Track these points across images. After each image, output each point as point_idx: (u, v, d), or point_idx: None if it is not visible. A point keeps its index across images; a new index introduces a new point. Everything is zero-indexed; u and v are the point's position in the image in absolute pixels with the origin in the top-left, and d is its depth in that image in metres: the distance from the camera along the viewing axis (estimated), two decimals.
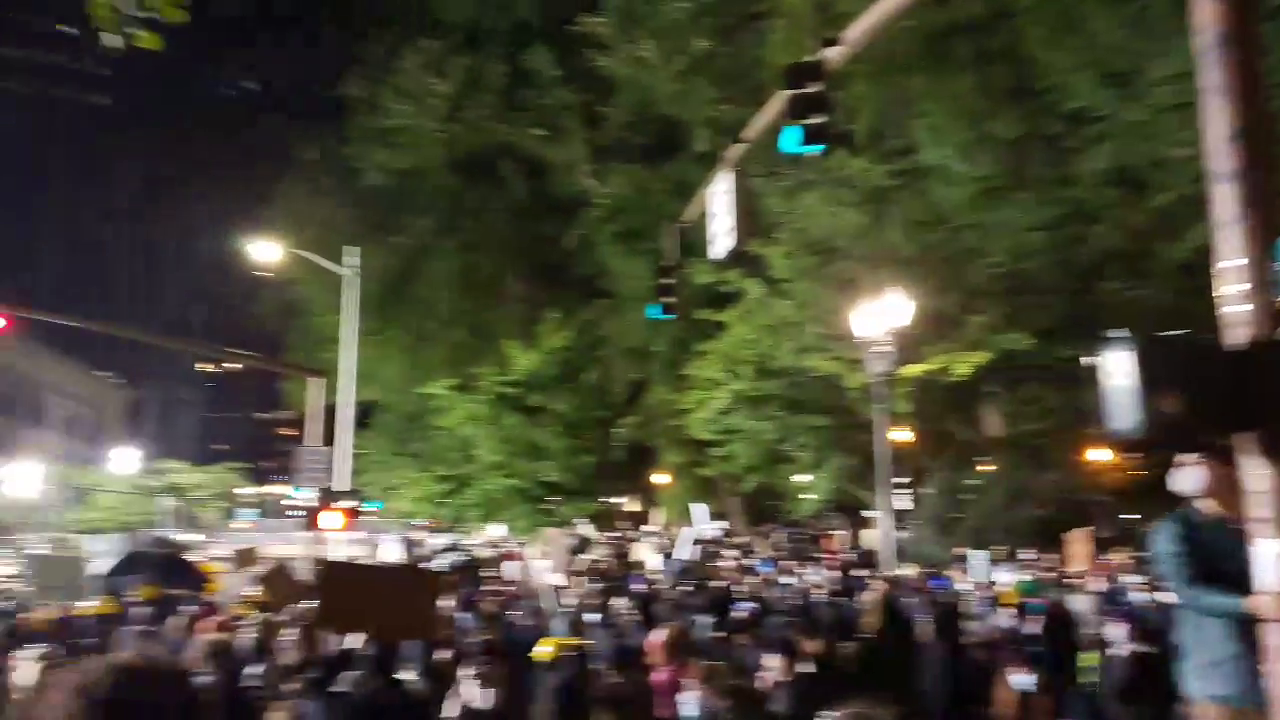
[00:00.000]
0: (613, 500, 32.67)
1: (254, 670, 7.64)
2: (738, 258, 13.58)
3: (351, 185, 28.39)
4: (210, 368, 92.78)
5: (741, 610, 10.39)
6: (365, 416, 27.62)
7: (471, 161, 27.78)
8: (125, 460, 44.51)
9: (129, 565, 12.85)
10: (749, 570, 15.99)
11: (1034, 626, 8.97)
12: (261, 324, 34.80)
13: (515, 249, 29.08)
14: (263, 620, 8.86)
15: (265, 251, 23.90)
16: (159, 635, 9.51)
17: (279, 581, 9.22)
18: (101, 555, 20.30)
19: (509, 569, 16.88)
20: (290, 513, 58.71)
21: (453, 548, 22.74)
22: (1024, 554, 15.35)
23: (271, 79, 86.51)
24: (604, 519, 29.62)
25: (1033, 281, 16.87)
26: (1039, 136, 16.02)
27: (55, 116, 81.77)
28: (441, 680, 7.20)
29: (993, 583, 12.89)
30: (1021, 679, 3.38)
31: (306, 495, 19.00)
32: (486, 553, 24.89)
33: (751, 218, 12.22)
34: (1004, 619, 10.08)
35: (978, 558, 14.22)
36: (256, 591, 10.50)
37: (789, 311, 18.07)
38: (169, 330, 61.24)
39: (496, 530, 29.15)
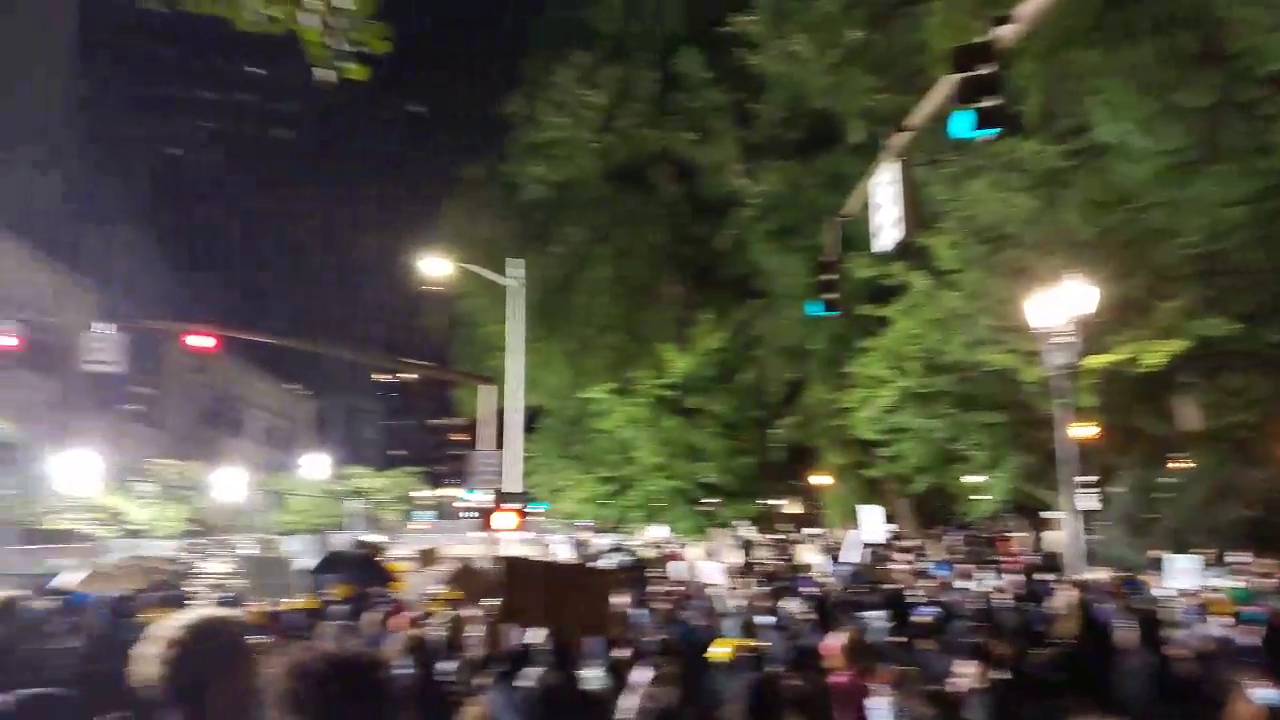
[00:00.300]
0: (772, 502, 32.36)
1: (446, 665, 7.98)
2: (902, 250, 13.16)
3: (512, 200, 29.44)
4: (387, 379, 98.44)
5: (923, 615, 10.04)
6: (531, 421, 28.57)
7: (624, 169, 28.26)
8: (315, 467, 47.88)
9: (328, 565, 13.79)
10: (922, 574, 15.45)
11: (1252, 638, 8.22)
12: (432, 336, 36.64)
13: (668, 253, 29.35)
14: (452, 617, 9.27)
15: (434, 267, 25.12)
16: (356, 630, 10.11)
17: (468, 579, 9.65)
18: (298, 555, 21.97)
19: (675, 569, 17.01)
20: (464, 514, 61.51)
21: (618, 548, 23.15)
22: (1234, 558, 14.06)
23: (437, 104, 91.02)
24: (765, 521, 29.41)
25: (1233, 261, 15.48)
26: (1233, 104, 14.69)
27: (243, 151, 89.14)
28: (622, 677, 7.32)
29: (1198, 589, 11.88)
30: (1268, 694, 3.05)
31: (478, 497, 19.81)
32: (650, 553, 25.18)
33: (918, 208, 11.82)
34: (1214, 628, 9.29)
35: (1179, 562, 13.12)
36: (442, 589, 11.02)
37: (958, 303, 17.33)
38: (350, 345, 65.61)
39: (658, 531, 29.47)
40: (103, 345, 17.31)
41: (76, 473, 27.59)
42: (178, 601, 9.60)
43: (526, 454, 24.36)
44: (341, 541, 32.44)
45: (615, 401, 26.19)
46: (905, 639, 9.06)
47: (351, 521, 41.98)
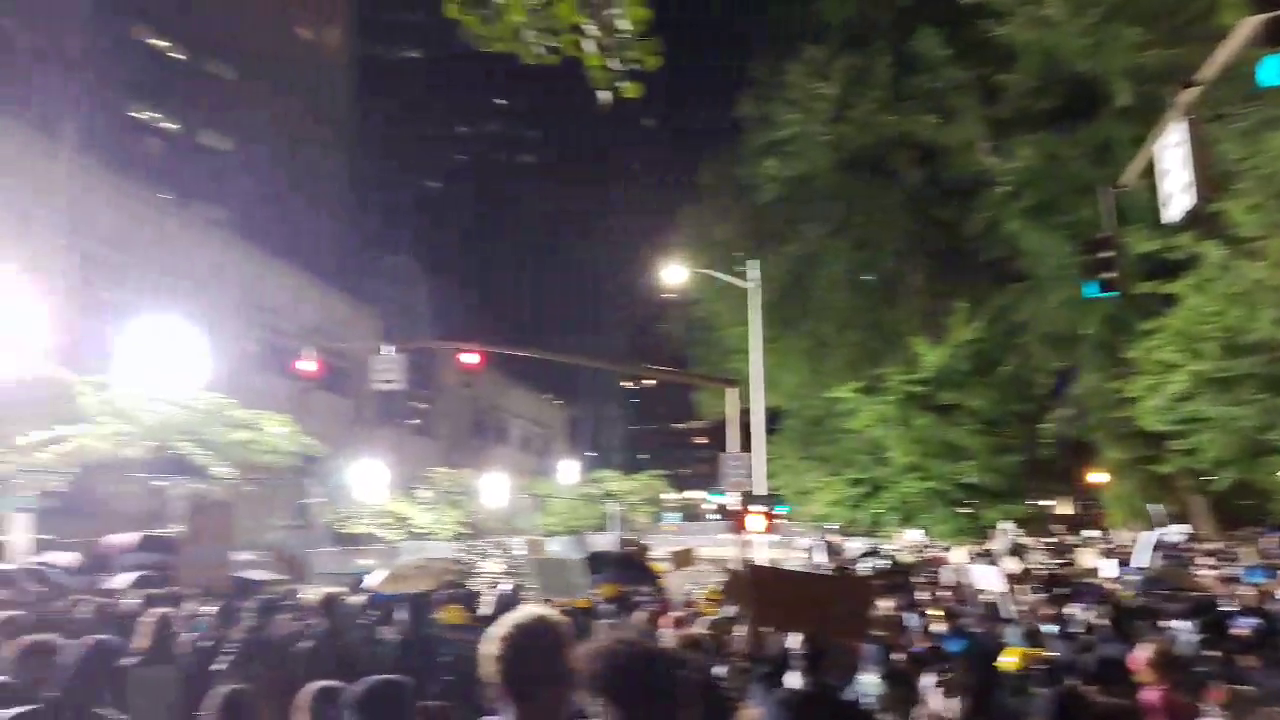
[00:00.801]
0: (1042, 503, 30.05)
1: (716, 667, 8.03)
2: (1191, 218, 11.75)
3: (746, 201, 29.50)
4: (630, 384, 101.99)
5: (1242, 626, 8.86)
6: (772, 423, 28.42)
7: (860, 159, 27.49)
8: (569, 472, 50.42)
9: (592, 564, 14.38)
10: (1233, 580, 13.67)
11: None
12: (673, 341, 37.47)
13: (911, 241, 28.16)
14: (716, 619, 9.32)
15: (673, 274, 25.68)
16: (624, 629, 10.41)
17: (736, 582, 9.70)
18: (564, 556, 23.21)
19: (946, 574, 16.18)
20: (710, 516, 62.43)
21: (873, 552, 22.40)
22: None
23: (671, 114, 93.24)
24: (1035, 523, 27.34)
25: None
26: None
27: (494, 178, 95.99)
28: (901, 684, 7.02)
29: None
30: None
31: (721, 499, 19.96)
32: (908, 558, 24.16)
33: (1210, 170, 10.51)
34: None
35: None
36: (705, 590, 11.14)
37: (1263, 274, 15.21)
38: (598, 355, 68.70)
39: (914, 534, 28.26)
40: (388, 366, 19.15)
41: (368, 481, 30.78)
42: (469, 601, 10.36)
43: (768, 455, 24.25)
44: (599, 543, 33.89)
45: (862, 400, 25.40)
46: (1222, 653, 8.04)
47: (608, 524, 43.72)
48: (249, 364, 34.62)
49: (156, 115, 55.15)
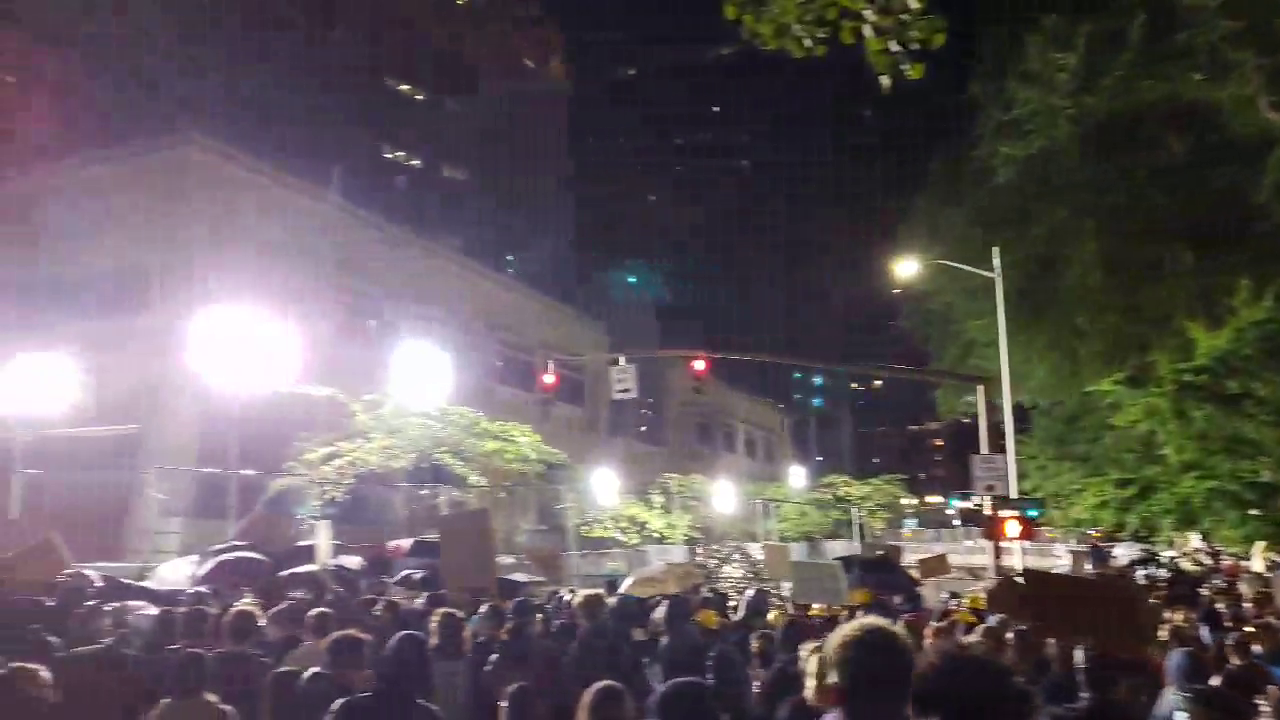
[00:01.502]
0: None
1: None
2: None
3: (981, 187, 27.86)
4: (858, 386, 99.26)
5: None
6: (1020, 421, 26.53)
7: (1110, 131, 25.12)
8: (797, 476, 49.80)
9: (845, 569, 13.92)
10: None
11: None
12: (907, 338, 36.00)
13: (1173, 216, 25.30)
14: (985, 629, 8.75)
15: (905, 267, 24.66)
16: (950, 642, 9.94)
17: (1007, 591, 9.08)
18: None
19: (1248, 584, 14.34)
20: (954, 521, 59.41)
21: (1150, 558, 20.28)
22: None
23: (892, 102, 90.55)
24: None
25: None
26: None
27: (706, 187, 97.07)
28: (1222, 709, 6.21)
29: None
30: None
31: (965, 503, 18.85)
32: (1189, 565, 21.70)
33: None
34: None
35: None
36: (967, 598, 10.50)
37: None
38: (824, 356, 67.46)
39: (1193, 540, 25.32)
40: (624, 375, 19.75)
41: (604, 487, 31.88)
42: (721, 605, 10.38)
43: (1016, 455, 22.61)
44: (835, 549, 33.12)
45: (1126, 393, 23.08)
46: None
47: (839, 529, 42.70)
48: (492, 379, 37.02)
49: (402, 154, 60.43)
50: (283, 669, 5.49)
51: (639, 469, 37.98)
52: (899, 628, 2.37)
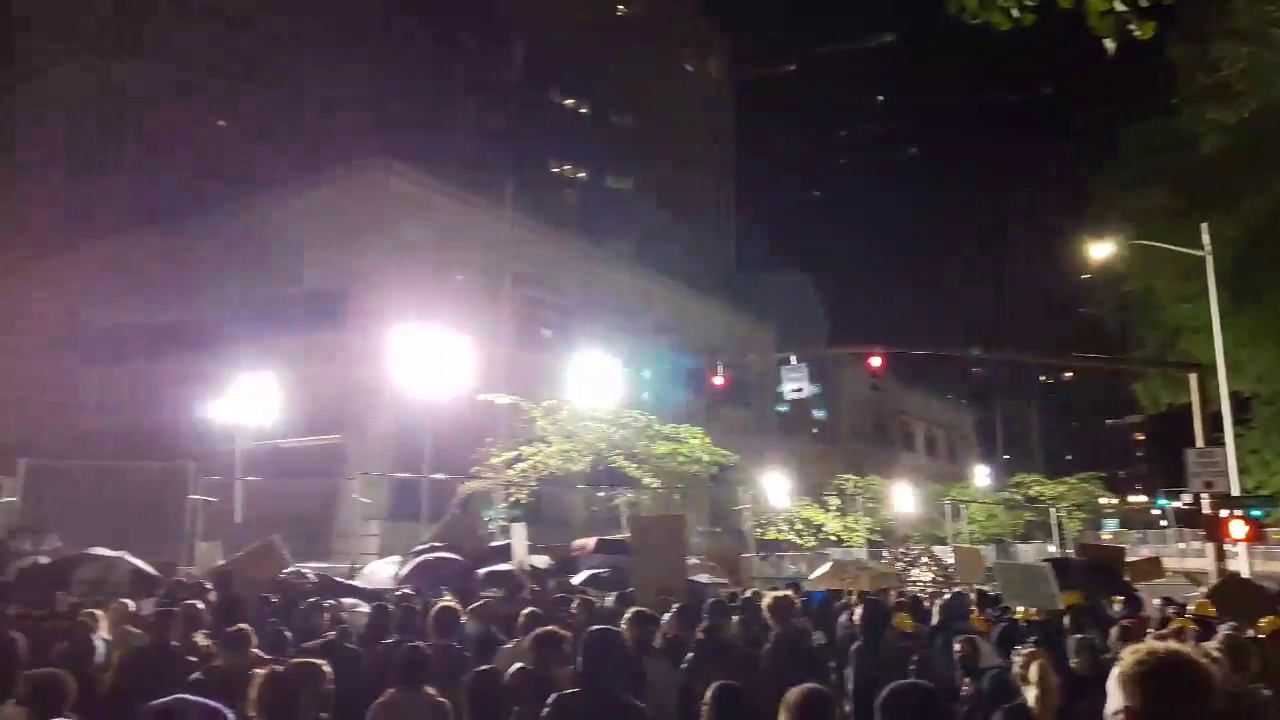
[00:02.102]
0: None
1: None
2: None
3: (1183, 158, 25.53)
4: (1046, 379, 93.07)
5: None
6: (1238, 412, 24.07)
7: None
8: (984, 475, 47.37)
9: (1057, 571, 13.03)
10: None
11: None
12: (1099, 326, 33.52)
13: None
14: (1227, 642, 7.93)
15: (1099, 250, 22.96)
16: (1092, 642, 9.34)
17: (1242, 596, 8.24)
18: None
19: None
20: (1162, 523, 54.62)
21: None
22: None
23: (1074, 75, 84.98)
24: None
25: None
26: None
27: (876, 174, 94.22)
28: None
29: None
30: None
31: (1173, 503, 17.22)
32: None
33: None
34: None
35: None
36: (1194, 604, 9.60)
37: None
38: (1009, 347, 64.01)
39: None
40: (796, 374, 19.41)
41: (776, 489, 31.47)
42: (915, 608, 9.98)
43: (1236, 449, 20.48)
44: (1026, 552, 31.23)
45: None
46: None
47: (1030, 530, 40.30)
48: (661, 382, 37.38)
49: (568, 167, 62.23)
50: (485, 666, 5.71)
51: (812, 470, 37.27)
52: (1197, 651, 2.20)
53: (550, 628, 5.31)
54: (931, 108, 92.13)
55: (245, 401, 18.77)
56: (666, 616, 7.75)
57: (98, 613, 7.51)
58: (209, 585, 9.43)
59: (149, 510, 14.37)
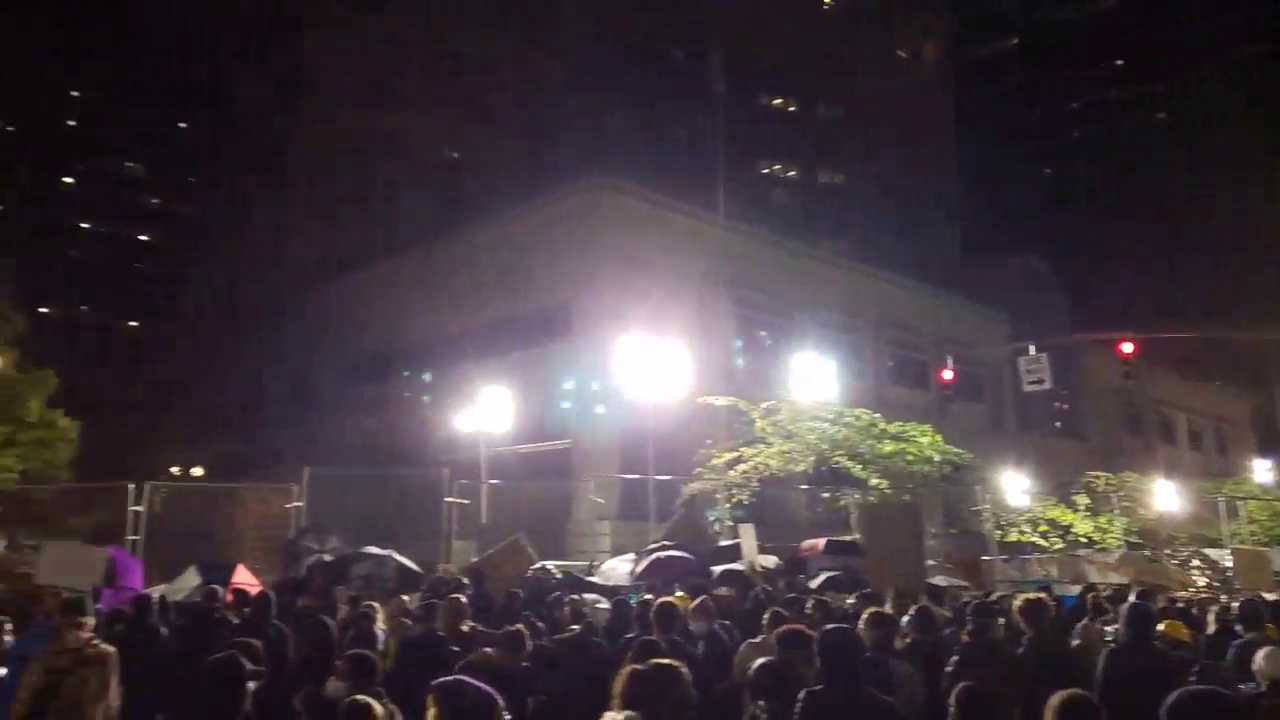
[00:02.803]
0: None
1: None
2: None
3: None
4: None
5: None
6: None
7: None
8: (1263, 470, 42.12)
9: None
10: None
11: None
12: None
13: None
14: None
15: None
16: None
17: None
18: None
19: None
20: None
21: None
22: None
23: None
24: None
25: None
26: None
27: (1115, 147, 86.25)
28: None
29: None
30: None
31: None
32: None
33: None
34: None
35: None
36: None
37: None
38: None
39: None
40: (1035, 366, 18.23)
41: (1015, 489, 29.50)
42: (1187, 615, 9.09)
43: None
44: None
45: None
46: None
47: None
48: (886, 379, 36.26)
49: (778, 166, 61.79)
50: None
51: (1055, 467, 34.62)
52: None
53: (797, 625, 5.37)
54: (1177, 67, 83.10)
55: (485, 411, 20.13)
56: (905, 619, 7.56)
57: (375, 605, 8.38)
58: (465, 580, 10.21)
59: (410, 512, 15.77)
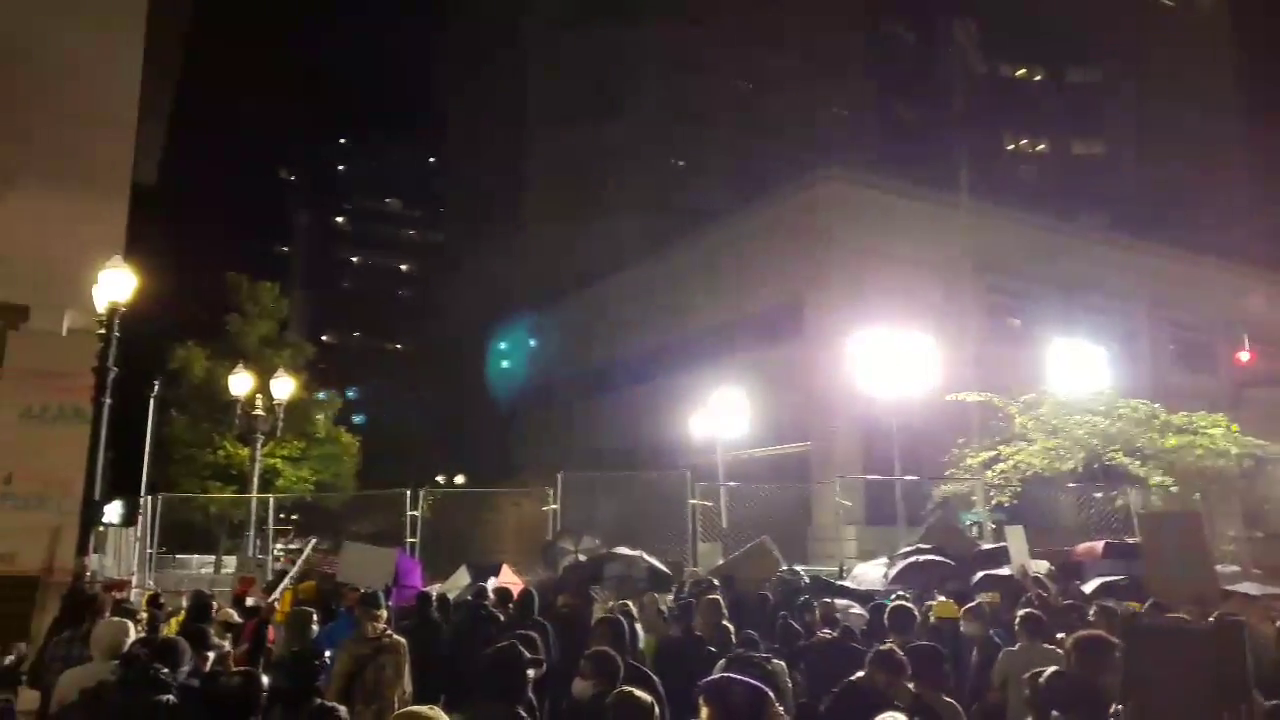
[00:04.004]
0: None
1: None
2: None
3: None
4: None
5: None
6: None
7: None
8: None
9: None
10: None
11: None
12: None
13: None
14: None
15: None
16: None
17: None
18: None
19: None
20: None
21: None
22: None
23: None
24: None
25: None
26: None
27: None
28: None
29: None
30: None
31: None
32: None
33: None
34: None
35: None
36: None
37: None
38: None
39: None
40: None
41: None
42: None
43: None
44: None
45: None
46: None
47: None
48: (1166, 365, 32.51)
49: (1025, 140, 57.47)
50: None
51: None
52: None
53: (1098, 633, 4.99)
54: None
55: (721, 414, 20.12)
56: None
57: (630, 604, 8.55)
58: (715, 582, 10.20)
59: (654, 515, 16.06)
